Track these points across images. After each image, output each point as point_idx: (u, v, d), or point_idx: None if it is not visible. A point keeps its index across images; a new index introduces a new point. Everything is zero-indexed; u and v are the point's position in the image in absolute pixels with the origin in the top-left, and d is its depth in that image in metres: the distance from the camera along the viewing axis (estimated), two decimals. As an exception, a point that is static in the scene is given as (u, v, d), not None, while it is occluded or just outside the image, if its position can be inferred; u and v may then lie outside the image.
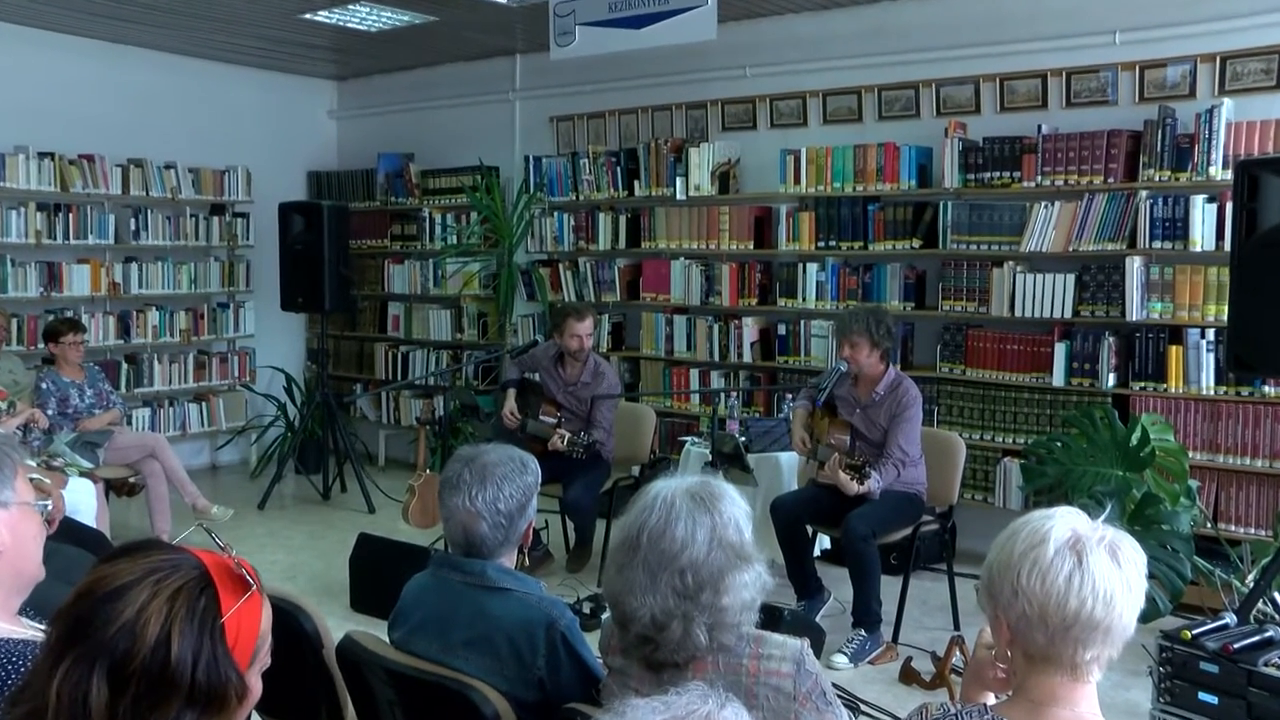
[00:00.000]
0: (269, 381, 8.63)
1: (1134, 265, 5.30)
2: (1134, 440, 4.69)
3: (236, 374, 8.43)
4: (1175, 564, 4.27)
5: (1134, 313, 5.32)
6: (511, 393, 5.92)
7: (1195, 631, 3.58)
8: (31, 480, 1.83)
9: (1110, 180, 5.42)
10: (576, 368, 5.84)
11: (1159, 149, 5.26)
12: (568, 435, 5.46)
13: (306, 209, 7.52)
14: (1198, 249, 5.17)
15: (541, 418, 5.73)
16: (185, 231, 8.04)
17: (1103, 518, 1.65)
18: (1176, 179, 5.24)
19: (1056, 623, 1.56)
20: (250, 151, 8.43)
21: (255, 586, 1.39)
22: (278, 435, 8.29)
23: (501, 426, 5.91)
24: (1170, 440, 4.91)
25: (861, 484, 4.60)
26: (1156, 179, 5.28)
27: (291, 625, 2.44)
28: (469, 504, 2.33)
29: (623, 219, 7.30)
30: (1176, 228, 5.22)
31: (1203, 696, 3.46)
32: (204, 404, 8.21)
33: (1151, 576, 4.13)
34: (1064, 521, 1.62)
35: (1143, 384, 5.36)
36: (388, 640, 2.46)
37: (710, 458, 5.05)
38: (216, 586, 1.34)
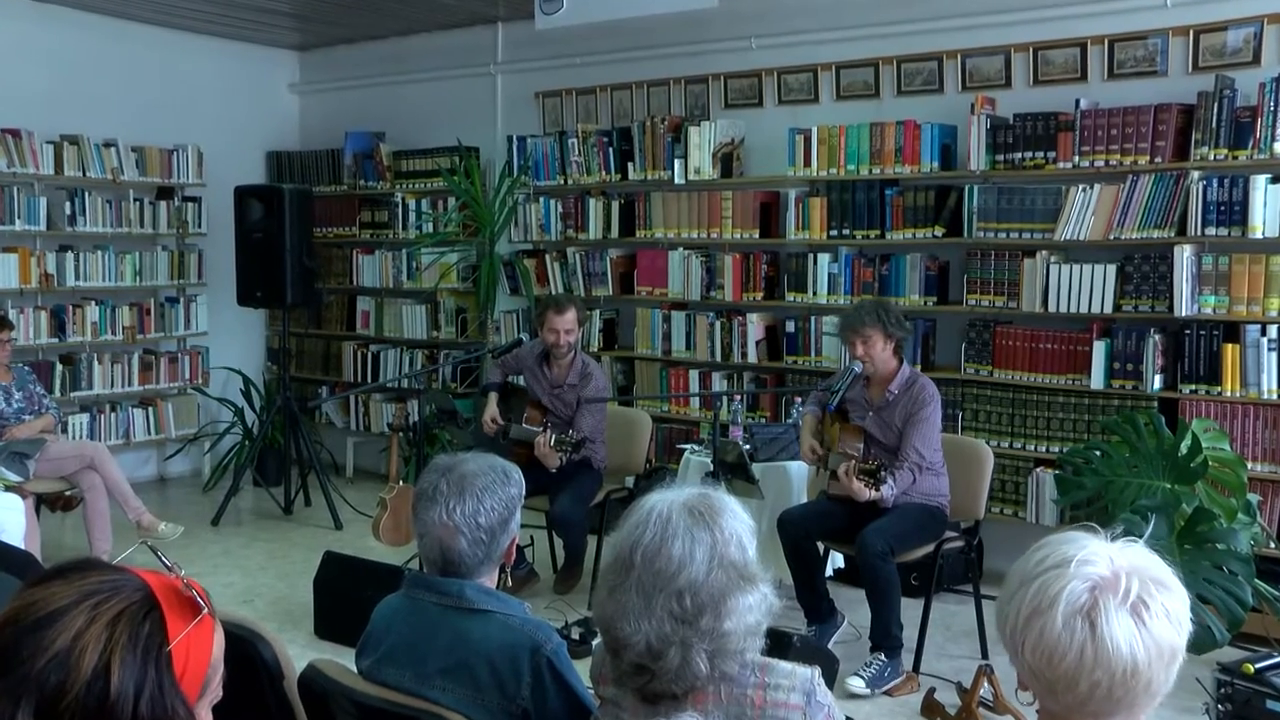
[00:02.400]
0: (224, 384, 8.62)
1: (1184, 254, 5.30)
2: (1183, 449, 4.69)
3: (187, 376, 8.42)
4: (1233, 588, 4.24)
5: (1183, 307, 5.32)
6: (493, 397, 5.92)
7: (1259, 665, 3.57)
8: None
9: (1157, 160, 5.42)
10: (562, 368, 5.84)
11: (1214, 124, 5.25)
12: (554, 435, 5.47)
13: (265, 193, 7.51)
14: (1258, 235, 5.16)
15: (525, 422, 5.73)
16: (128, 217, 8.02)
17: (1141, 541, 1.58)
18: (1234, 157, 5.23)
19: (1068, 699, 1.53)
20: (202, 129, 8.42)
21: (206, 610, 1.38)
22: (234, 444, 8.28)
23: (482, 434, 5.91)
24: (1225, 449, 4.91)
25: (877, 490, 4.60)
26: (1211, 158, 5.28)
27: (248, 654, 2.43)
28: (446, 518, 2.34)
29: (615, 205, 7.30)
30: (1234, 212, 5.21)
31: (1269, 739, 3.45)
32: (150, 409, 8.20)
33: (1206, 603, 4.13)
34: (1084, 572, 1.53)
35: (1193, 387, 5.36)
36: (355, 670, 2.45)
37: (711, 467, 5.05)
38: (163, 610, 1.33)
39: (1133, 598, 1.51)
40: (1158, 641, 1.51)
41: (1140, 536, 1.60)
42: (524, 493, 2.48)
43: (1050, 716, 1.59)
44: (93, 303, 7.84)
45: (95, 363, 7.88)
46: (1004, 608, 1.59)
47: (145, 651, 1.29)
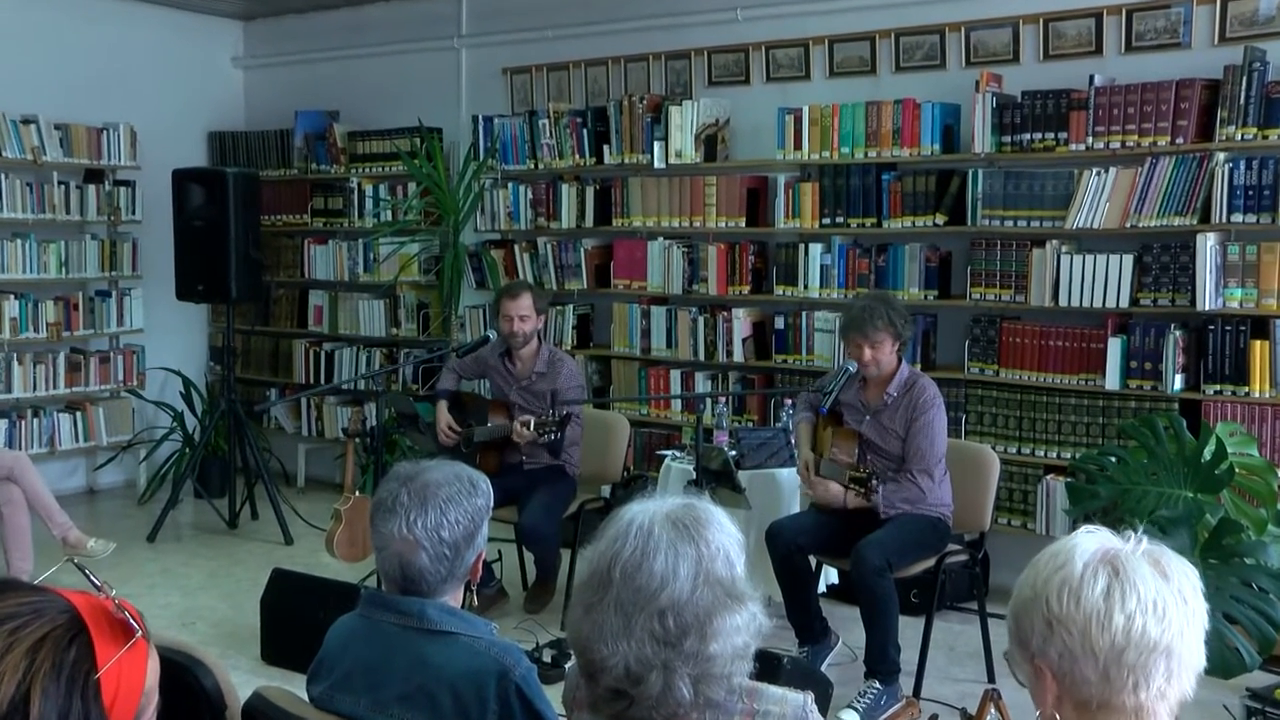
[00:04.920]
0: (162, 386, 8.57)
1: (1207, 243, 5.32)
2: (1207, 455, 4.71)
3: (121, 377, 8.37)
4: (1264, 606, 4.24)
5: (1207, 301, 5.33)
6: (442, 406, 5.95)
7: (1292, 692, 3.59)
8: None
9: (1179, 141, 5.43)
10: (526, 360, 5.87)
11: (1242, 101, 5.26)
12: (532, 419, 5.49)
13: (207, 177, 7.47)
14: (1290, 222, 5.19)
15: (492, 422, 5.73)
16: (52, 202, 7.95)
17: (1138, 534, 1.67)
18: (1265, 137, 5.24)
19: (1105, 649, 1.57)
20: (135, 105, 8.36)
21: (140, 633, 1.37)
22: (173, 452, 8.23)
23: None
24: (1254, 455, 4.93)
25: (868, 499, 4.60)
26: (1238, 138, 5.29)
27: (186, 682, 2.41)
28: (406, 531, 2.34)
29: (590, 191, 7.30)
30: (1263, 197, 5.22)
31: (1303, 771, 3.46)
32: (79, 414, 8.13)
33: (1234, 623, 4.15)
34: (1090, 538, 1.65)
35: (1218, 387, 5.38)
36: (306, 698, 2.44)
37: (694, 475, 5.05)
38: (91, 634, 1.33)
39: (1144, 551, 1.63)
40: (1180, 593, 1.60)
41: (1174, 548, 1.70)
42: (492, 504, 2.48)
43: (1085, 716, 1.61)
44: (11, 296, 7.77)
45: (15, 363, 7.81)
46: (1017, 596, 1.68)
47: (70, 680, 1.28)
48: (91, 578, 1.46)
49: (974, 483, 5.05)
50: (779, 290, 6.62)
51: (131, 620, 1.37)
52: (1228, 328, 5.35)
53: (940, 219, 6.08)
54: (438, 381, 6.33)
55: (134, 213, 8.37)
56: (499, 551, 5.93)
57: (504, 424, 5.63)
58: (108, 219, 8.23)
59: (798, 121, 6.45)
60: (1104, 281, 5.60)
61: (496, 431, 5.65)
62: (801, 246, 6.53)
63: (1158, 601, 1.57)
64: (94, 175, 8.21)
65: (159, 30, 8.62)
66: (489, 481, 2.50)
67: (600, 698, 1.90)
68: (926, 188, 6.12)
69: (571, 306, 7.35)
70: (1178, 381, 5.46)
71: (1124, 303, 5.56)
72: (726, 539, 1.91)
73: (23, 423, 7.84)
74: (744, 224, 6.72)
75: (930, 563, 4.88)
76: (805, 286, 6.51)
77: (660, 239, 7.02)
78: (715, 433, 5.79)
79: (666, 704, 1.84)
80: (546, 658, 4.85)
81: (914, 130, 6.12)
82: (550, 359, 5.88)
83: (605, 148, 7.20)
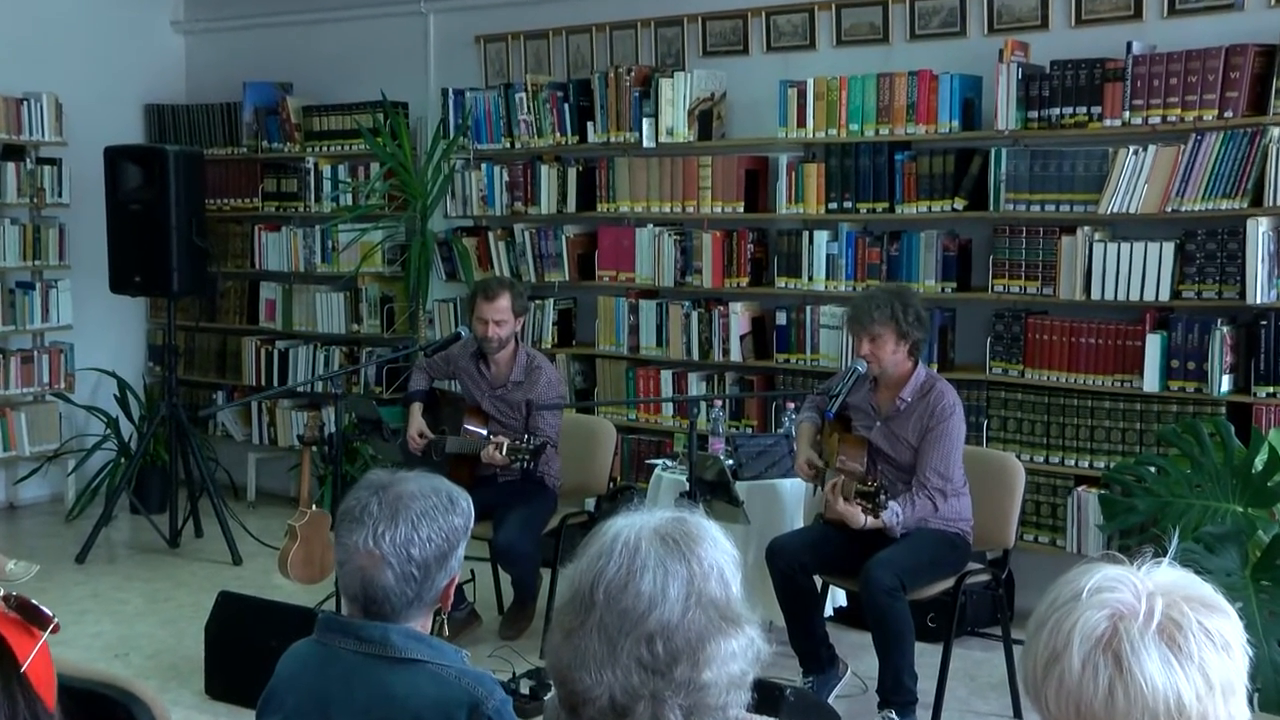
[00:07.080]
0: (94, 389, 8.55)
1: (1259, 229, 5.31)
2: (1258, 465, 4.72)
3: (46, 379, 8.33)
4: (1323, 633, 4.27)
5: (1258, 293, 5.33)
6: (416, 408, 5.94)
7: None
8: None
9: (1228, 114, 5.42)
10: (501, 365, 5.87)
11: (1303, 68, 5.29)
12: (506, 442, 5.48)
13: (144, 155, 7.48)
14: (1356, 205, 5.21)
15: (467, 429, 5.73)
16: (-38, 183, 7.95)
17: (1166, 561, 1.61)
18: (1327, 110, 5.27)
19: None
20: (60, 74, 8.30)
21: (50, 617, 1.50)
22: (106, 462, 8.21)
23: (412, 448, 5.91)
24: (1311, 466, 4.94)
25: (876, 516, 4.61)
26: (1297, 110, 5.31)
27: (120, 719, 2.41)
28: (372, 544, 2.34)
29: (572, 173, 7.30)
30: (1323, 177, 5.25)
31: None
32: (-2, 420, 8.12)
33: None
34: (1099, 600, 1.56)
35: (1270, 389, 5.38)
36: (254, 735, 2.44)
37: (687, 486, 5.06)
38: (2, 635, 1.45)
39: (1159, 620, 1.53)
40: (1203, 670, 1.52)
41: (1165, 554, 1.62)
42: (471, 523, 2.48)
43: None
44: (-78, 289, 7.78)
45: (-75, 364, 7.82)
46: (1024, 660, 1.63)
47: (4, 680, 1.40)
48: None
49: (997, 495, 5.05)
50: (780, 283, 6.63)
51: (31, 611, 1.49)
52: (1281, 323, 5.37)
53: (959, 203, 6.09)
54: (408, 382, 6.33)
55: (60, 195, 8.33)
56: (472, 571, 5.93)
57: (478, 438, 5.62)
58: (30, 201, 8.18)
59: (801, 95, 6.45)
60: (1142, 272, 5.61)
61: (469, 445, 5.65)
62: (805, 234, 6.54)
63: (1170, 696, 1.50)
64: (13, 152, 8.15)
65: (91, -9, 8.60)
66: (470, 500, 2.50)
67: (583, 732, 1.90)
68: (944, 169, 6.13)
69: (552, 300, 7.36)
70: (1225, 383, 5.47)
71: (1164, 295, 5.57)
72: (721, 556, 1.92)
73: (-65, 431, 7.85)
74: (742, 209, 6.72)
75: (948, 583, 4.90)
76: (809, 278, 6.52)
77: (650, 226, 7.03)
78: (710, 440, 5.79)
79: (655, 738, 1.85)
80: (524, 688, 4.84)
81: (930, 105, 6.13)
82: (528, 365, 5.87)
83: (589, 125, 7.20)
